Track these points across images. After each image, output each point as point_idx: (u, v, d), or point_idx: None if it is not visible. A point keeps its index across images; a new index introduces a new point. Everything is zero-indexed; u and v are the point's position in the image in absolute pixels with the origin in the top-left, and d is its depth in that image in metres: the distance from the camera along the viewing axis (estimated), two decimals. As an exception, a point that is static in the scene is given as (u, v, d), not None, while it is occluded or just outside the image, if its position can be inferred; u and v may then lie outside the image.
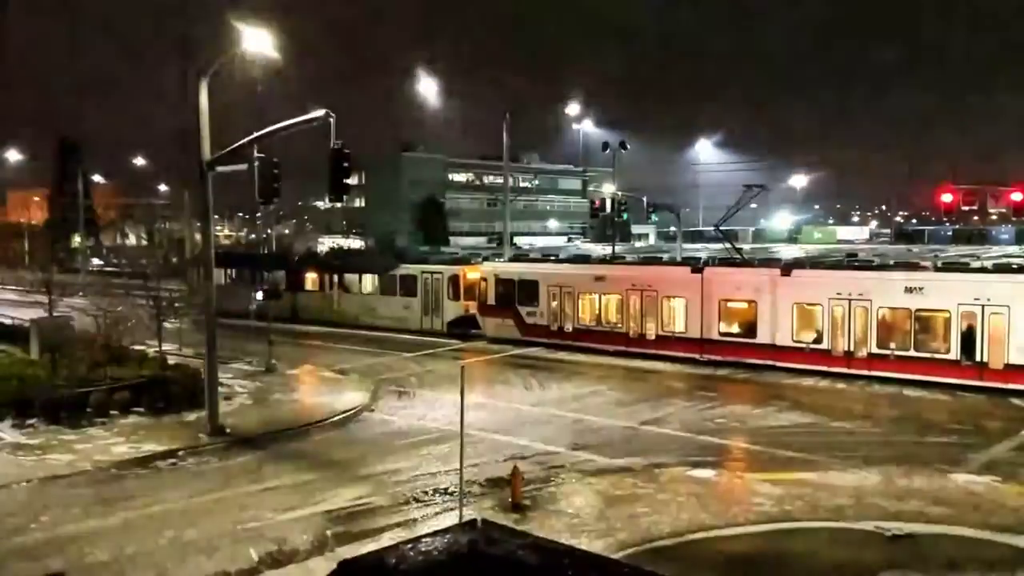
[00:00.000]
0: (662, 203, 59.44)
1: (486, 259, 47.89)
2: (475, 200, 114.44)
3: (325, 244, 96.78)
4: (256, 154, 21.25)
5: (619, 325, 35.37)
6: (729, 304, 32.47)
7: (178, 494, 17.55)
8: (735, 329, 32.28)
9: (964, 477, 17.96)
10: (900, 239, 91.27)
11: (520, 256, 51.29)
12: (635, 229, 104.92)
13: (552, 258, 48.75)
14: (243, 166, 21.46)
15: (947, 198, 35.84)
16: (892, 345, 28.41)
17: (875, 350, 28.73)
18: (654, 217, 67.09)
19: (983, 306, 26.75)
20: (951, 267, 33.53)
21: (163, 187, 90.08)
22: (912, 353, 28.01)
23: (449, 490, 17.23)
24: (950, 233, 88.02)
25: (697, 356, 32.64)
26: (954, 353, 27.23)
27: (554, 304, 37.46)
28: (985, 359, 26.73)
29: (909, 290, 28.20)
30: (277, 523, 15.73)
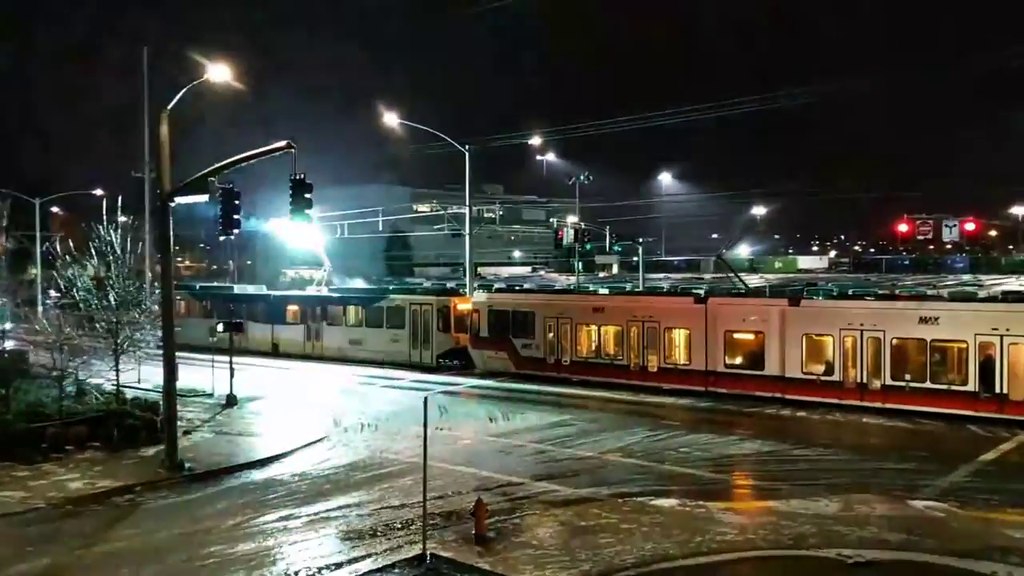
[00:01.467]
0: (625, 233, 59.84)
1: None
2: (438, 230, 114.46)
3: (288, 275, 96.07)
4: (218, 185, 21.18)
5: (619, 357, 34.50)
6: (735, 335, 31.79)
7: (135, 531, 17.20)
8: (742, 361, 31.56)
9: (924, 503, 18.17)
10: (859, 268, 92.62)
11: (508, 286, 50.32)
12: (599, 259, 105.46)
13: (547, 288, 48.18)
14: (204, 197, 21.36)
15: (904, 228, 36.62)
16: (907, 377, 27.77)
17: (889, 382, 28.12)
18: (617, 247, 67.51)
19: (1002, 336, 26.12)
20: (968, 296, 32.76)
21: (122, 218, 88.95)
22: (928, 385, 27.42)
23: (412, 523, 17.07)
24: (907, 262, 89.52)
25: (702, 389, 31.96)
26: (972, 385, 26.64)
27: (550, 336, 36.44)
28: (1005, 391, 26.09)
29: (924, 320, 27.61)
30: (236, 559, 15.46)
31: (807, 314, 30.28)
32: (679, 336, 33.12)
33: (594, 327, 35.47)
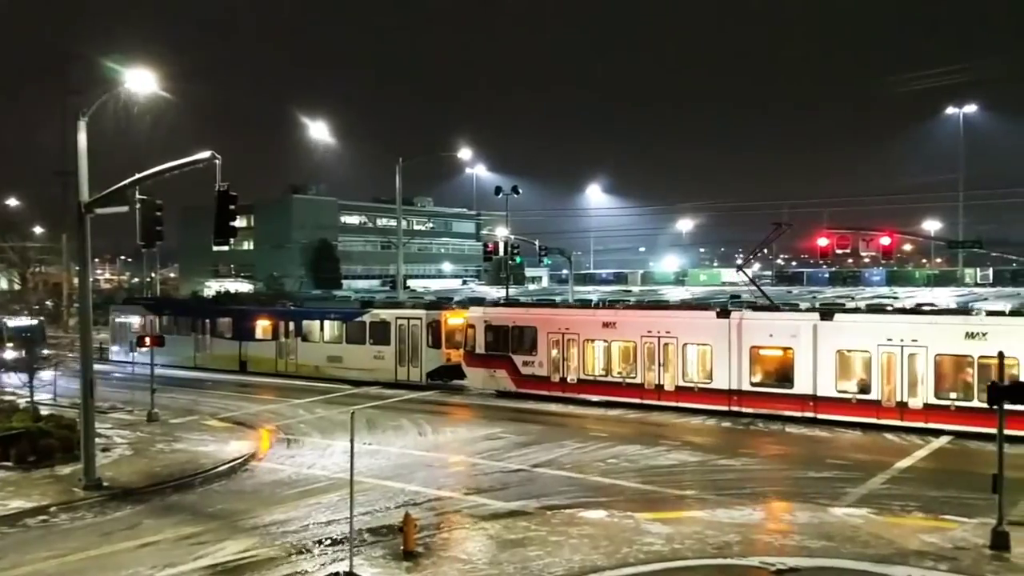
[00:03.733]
0: (554, 247, 60.32)
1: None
2: (368, 243, 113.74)
3: (212, 288, 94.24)
4: (138, 196, 20.67)
5: (632, 375, 32.62)
6: (761, 351, 30.06)
7: (49, 554, 16.57)
8: (769, 379, 29.93)
9: (843, 510, 18.63)
10: (781, 281, 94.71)
11: (513, 300, 47.62)
12: (528, 272, 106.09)
13: (549, 302, 45.50)
14: (124, 208, 20.82)
15: (823, 242, 37.46)
16: (952, 395, 26.31)
17: (932, 400, 26.55)
18: (547, 260, 68.12)
19: None
20: (1019, 310, 30.42)
21: (38, 229, 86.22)
22: (975, 404, 25.22)
23: (340, 540, 16.84)
24: (827, 275, 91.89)
25: (724, 408, 30.39)
26: None
27: (555, 353, 34.48)
28: None
29: (971, 335, 26.11)
30: (157, 581, 15.06)
31: (841, 329, 28.76)
32: (699, 352, 31.33)
33: (604, 343, 33.46)
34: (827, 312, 30.26)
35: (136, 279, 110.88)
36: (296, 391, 38.08)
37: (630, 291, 79.40)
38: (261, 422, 30.50)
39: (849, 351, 28.54)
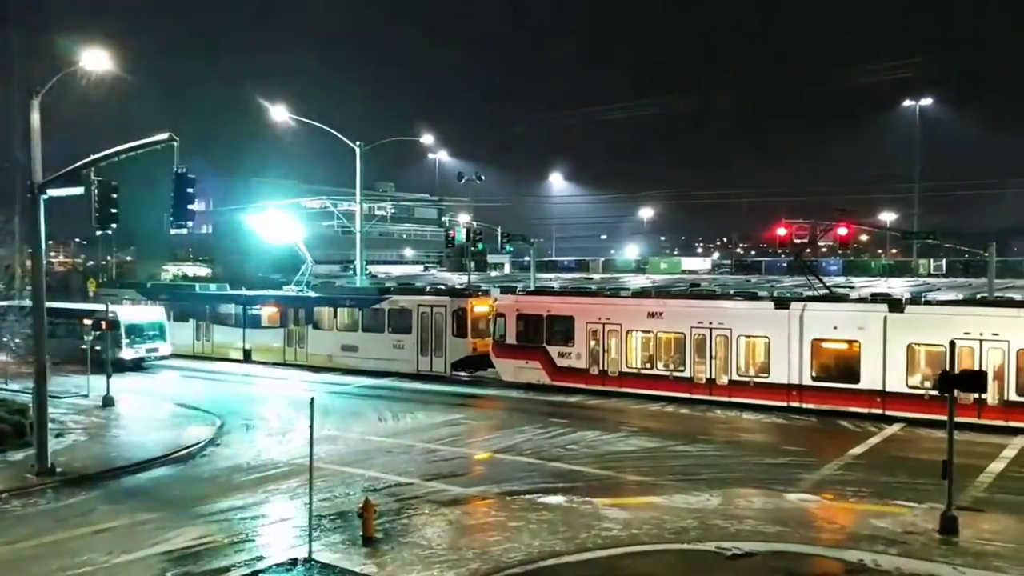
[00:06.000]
0: (516, 233, 60.33)
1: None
2: (328, 227, 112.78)
3: (170, 272, 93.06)
4: (94, 177, 20.31)
5: (680, 369, 31.32)
6: (824, 345, 28.82)
7: (1, 540, 16.32)
8: (832, 373, 28.65)
9: (797, 496, 18.96)
10: (740, 270, 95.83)
11: (544, 288, 46.07)
12: (491, 258, 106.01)
13: (587, 290, 44.40)
14: (79, 190, 20.44)
15: (782, 232, 37.95)
16: None
17: (1015, 398, 25.34)
18: (509, 247, 68.08)
19: None
20: None
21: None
22: None
23: (298, 526, 16.77)
24: (785, 265, 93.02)
25: (783, 404, 29.14)
26: None
27: (593, 344, 33.05)
28: None
29: None
30: (112, 567, 14.89)
31: (912, 321, 27.53)
32: (755, 345, 30.14)
33: (649, 334, 32.16)
34: (896, 303, 29.00)
35: (91, 262, 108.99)
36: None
37: (591, 278, 79.80)
38: (225, 405, 30.15)
39: (920, 345, 27.35)
